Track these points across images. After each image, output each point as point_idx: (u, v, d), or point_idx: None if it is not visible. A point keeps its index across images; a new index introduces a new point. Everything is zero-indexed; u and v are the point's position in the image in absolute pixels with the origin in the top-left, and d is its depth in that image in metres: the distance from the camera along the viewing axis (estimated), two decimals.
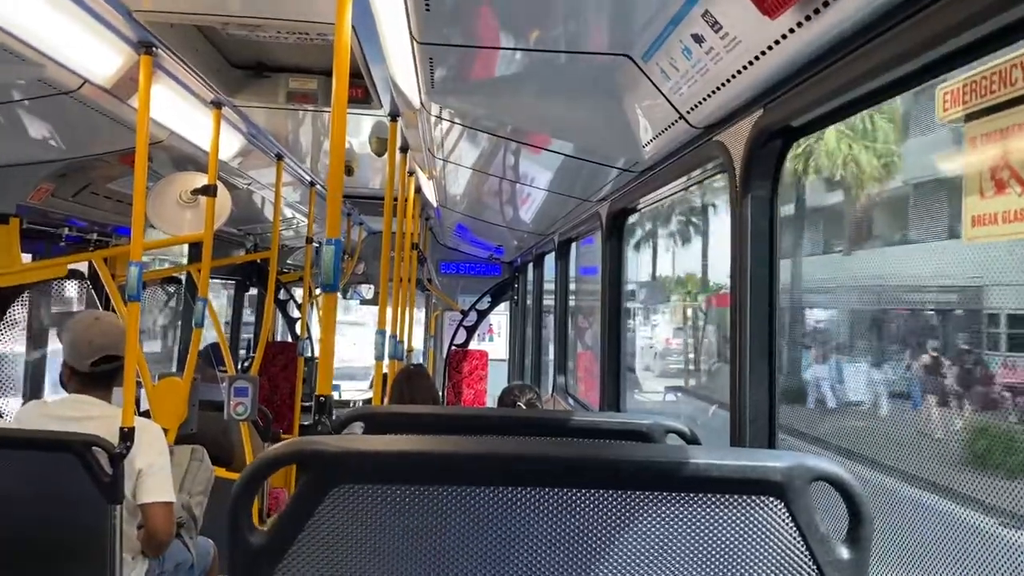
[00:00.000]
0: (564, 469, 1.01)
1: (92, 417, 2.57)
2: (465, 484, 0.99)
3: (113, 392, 2.70)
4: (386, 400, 3.79)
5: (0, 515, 2.42)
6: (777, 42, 1.53)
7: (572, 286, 5.98)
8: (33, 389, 4.46)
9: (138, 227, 2.86)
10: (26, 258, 4.07)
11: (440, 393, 7.66)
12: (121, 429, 2.50)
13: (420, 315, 8.63)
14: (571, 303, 6.10)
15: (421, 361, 8.28)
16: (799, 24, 1.44)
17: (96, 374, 2.62)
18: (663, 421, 1.65)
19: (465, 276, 8.92)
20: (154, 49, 2.65)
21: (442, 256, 8.85)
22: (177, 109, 3.29)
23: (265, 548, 0.98)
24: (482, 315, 8.54)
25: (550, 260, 6.03)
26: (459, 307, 8.55)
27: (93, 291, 4.67)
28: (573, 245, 5.57)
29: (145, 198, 2.93)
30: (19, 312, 4.22)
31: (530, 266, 7.40)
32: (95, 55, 2.62)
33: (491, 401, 7.94)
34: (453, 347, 8.27)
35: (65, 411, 2.61)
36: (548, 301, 7.00)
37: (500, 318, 9.45)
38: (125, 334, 2.66)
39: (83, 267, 4.65)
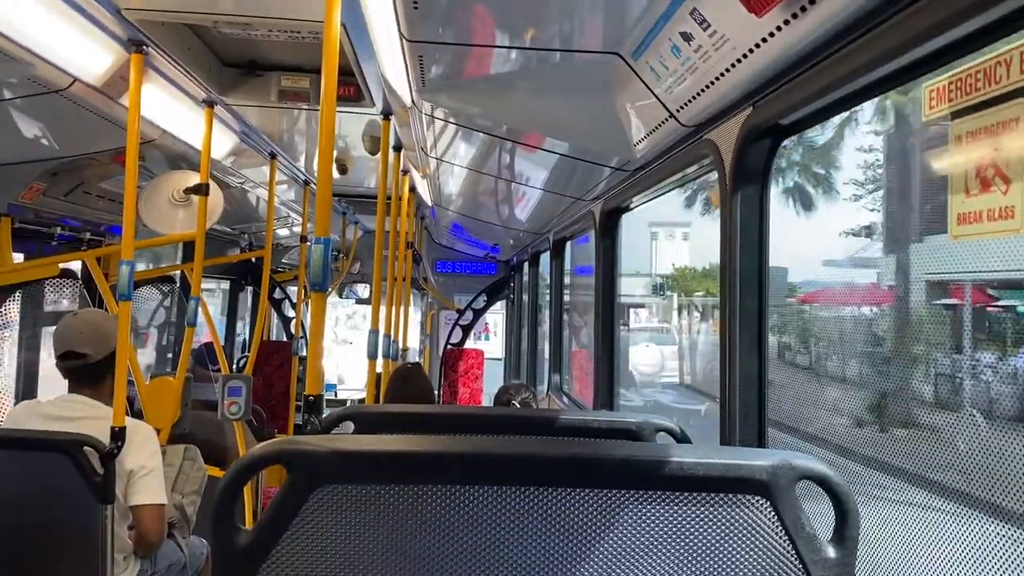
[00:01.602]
0: (549, 468, 1.01)
1: (83, 417, 2.57)
2: (450, 483, 0.99)
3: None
4: (382, 399, 3.78)
5: None
6: (764, 40, 1.53)
7: (568, 283, 5.97)
8: (26, 389, 4.45)
9: (129, 226, 2.86)
10: (18, 258, 4.06)
11: (436, 392, 7.65)
12: (112, 428, 2.49)
13: (416, 314, 8.62)
14: (566, 302, 6.10)
15: (417, 360, 8.27)
16: (785, 22, 1.44)
17: (67, 370, 2.63)
18: (653, 420, 1.64)
19: (461, 275, 8.91)
20: (145, 48, 2.64)
21: (438, 255, 8.84)
22: (169, 108, 3.28)
23: (250, 548, 0.97)
24: (478, 314, 8.53)
25: (546, 259, 6.03)
26: (455, 306, 8.55)
27: (85, 291, 4.66)
28: (568, 244, 5.57)
29: (136, 197, 2.93)
30: (11, 312, 4.21)
31: (526, 265, 7.40)
32: (85, 53, 2.61)
33: (487, 400, 7.93)
34: (449, 346, 8.26)
35: (57, 411, 2.61)
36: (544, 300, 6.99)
37: (496, 317, 9.43)
38: (95, 331, 2.64)
39: (76, 266, 4.65)
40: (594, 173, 3.33)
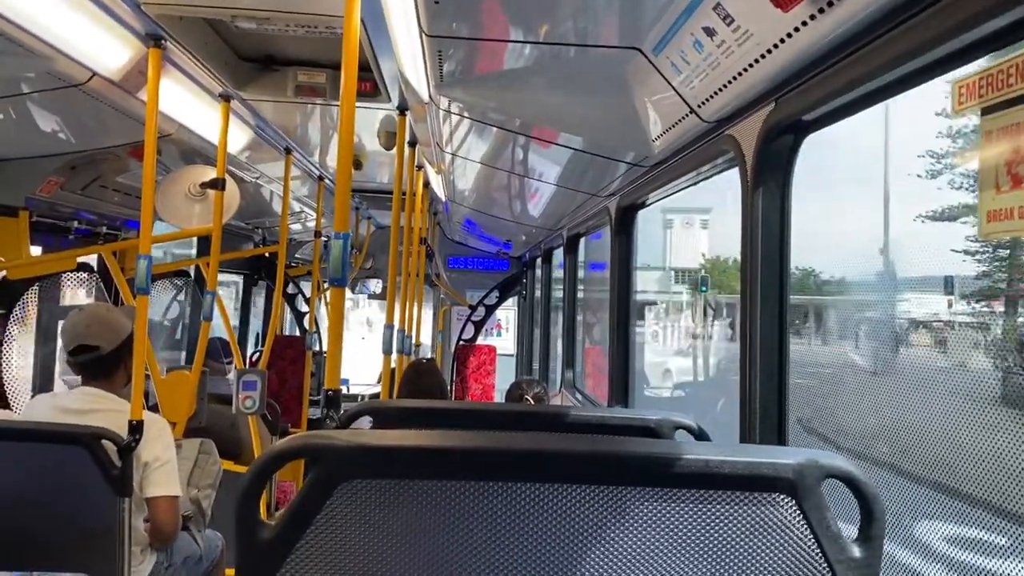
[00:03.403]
0: (574, 464, 1.01)
1: (100, 410, 2.58)
2: (473, 479, 0.98)
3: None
4: (395, 395, 3.79)
5: (10, 507, 2.43)
6: (790, 35, 1.51)
7: (580, 277, 5.96)
8: (43, 382, 4.48)
9: (147, 220, 2.87)
10: (36, 251, 4.09)
11: (448, 388, 7.63)
12: (130, 422, 2.50)
13: (428, 310, 8.63)
14: (579, 297, 6.09)
15: (430, 355, 8.28)
16: (812, 17, 1.42)
17: (78, 364, 2.65)
18: (672, 417, 1.64)
19: (473, 271, 8.91)
20: (163, 42, 2.64)
21: (450, 251, 8.85)
22: (186, 102, 3.28)
23: (273, 542, 0.97)
24: (490, 310, 8.53)
25: (559, 255, 6.02)
26: (467, 302, 8.55)
27: (102, 284, 4.69)
28: (582, 240, 5.56)
29: (154, 191, 2.94)
30: (29, 305, 4.25)
31: (538, 261, 7.39)
32: (104, 48, 2.61)
33: (499, 396, 7.93)
34: (461, 342, 8.27)
35: (74, 403, 2.62)
36: (556, 296, 6.97)
37: (508, 313, 9.43)
38: (103, 323, 2.66)
39: (92, 260, 4.68)
40: (610, 169, 3.32)
